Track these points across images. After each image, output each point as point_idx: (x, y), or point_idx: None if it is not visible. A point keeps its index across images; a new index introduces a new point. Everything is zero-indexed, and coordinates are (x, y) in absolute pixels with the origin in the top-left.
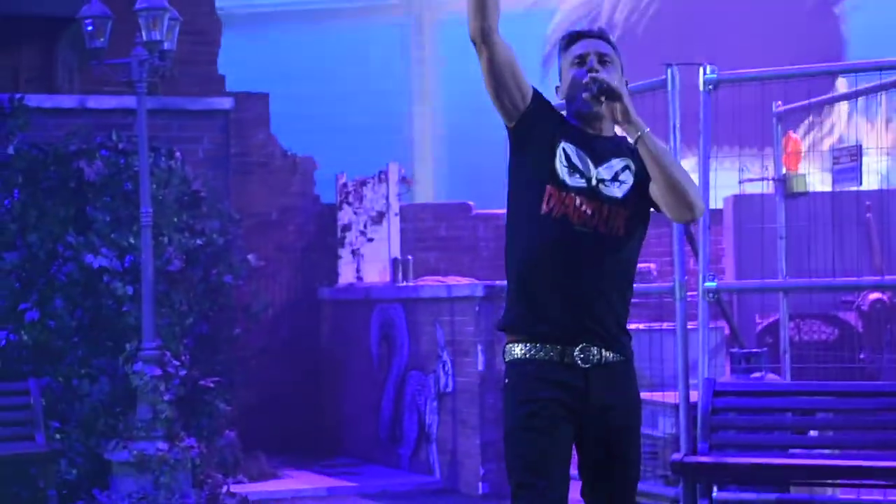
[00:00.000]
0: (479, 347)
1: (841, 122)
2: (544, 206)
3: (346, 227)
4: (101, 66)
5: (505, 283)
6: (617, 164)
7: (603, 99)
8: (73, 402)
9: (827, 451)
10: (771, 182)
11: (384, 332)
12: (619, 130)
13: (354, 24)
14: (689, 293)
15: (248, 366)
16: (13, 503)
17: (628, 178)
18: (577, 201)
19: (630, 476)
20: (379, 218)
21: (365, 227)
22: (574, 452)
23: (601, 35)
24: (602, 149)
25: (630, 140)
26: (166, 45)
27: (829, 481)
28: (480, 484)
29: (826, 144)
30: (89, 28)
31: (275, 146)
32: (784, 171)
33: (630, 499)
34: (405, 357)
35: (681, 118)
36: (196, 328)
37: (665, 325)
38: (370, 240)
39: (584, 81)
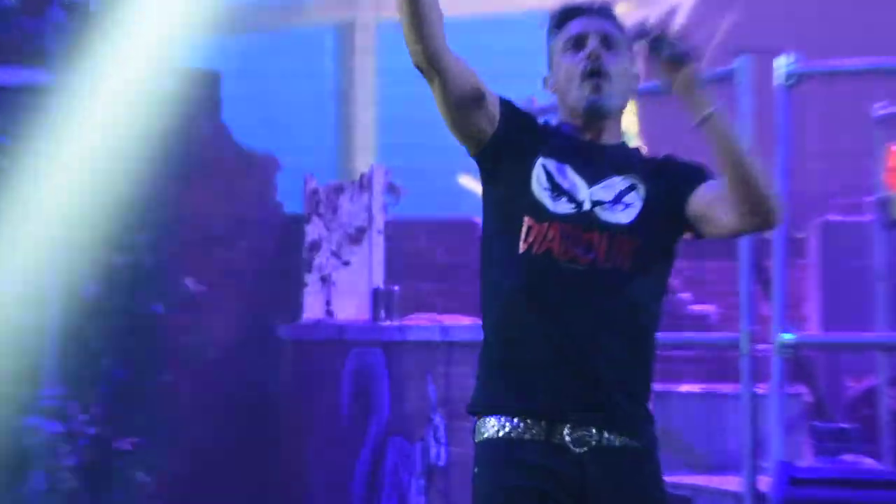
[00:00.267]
0: None
1: None
2: (521, 244)
3: (315, 246)
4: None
5: None
6: (619, 182)
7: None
8: None
9: None
10: (869, 205)
11: (360, 384)
12: (631, 139)
13: None
14: (759, 347)
15: (178, 424)
16: None
17: (635, 201)
18: (565, 232)
19: None
20: (358, 236)
21: (339, 246)
22: None
23: (604, 11)
24: (600, 162)
25: (694, 119)
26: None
27: None
28: None
29: None
30: None
31: (226, 140)
32: (886, 191)
33: None
34: (385, 418)
35: (754, 120)
36: (113, 372)
37: (727, 388)
38: (346, 263)
39: (582, 71)
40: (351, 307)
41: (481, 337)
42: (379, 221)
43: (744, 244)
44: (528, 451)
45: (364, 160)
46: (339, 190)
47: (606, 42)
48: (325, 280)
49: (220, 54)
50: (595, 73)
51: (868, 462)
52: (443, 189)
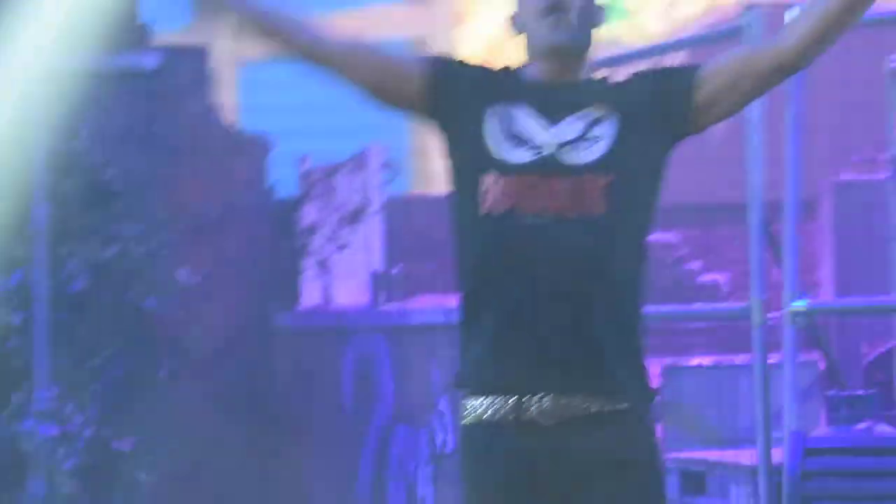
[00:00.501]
0: None
1: None
2: (482, 205)
3: (311, 230)
4: None
5: None
6: (583, 115)
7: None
8: None
9: None
10: (883, 164)
11: (361, 371)
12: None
13: None
14: (771, 315)
15: (177, 421)
16: None
17: (605, 132)
18: (528, 183)
19: None
20: (355, 217)
21: (336, 229)
22: None
23: None
24: (561, 100)
25: None
26: None
27: None
28: None
29: None
30: None
31: (215, 120)
32: None
33: None
34: (389, 406)
35: None
36: (107, 371)
37: (739, 359)
38: (342, 247)
39: (544, 6)
40: (350, 292)
41: None
42: (376, 201)
43: (753, 208)
44: (498, 435)
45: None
46: (333, 170)
47: None
48: (322, 265)
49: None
50: (555, 8)
51: (884, 429)
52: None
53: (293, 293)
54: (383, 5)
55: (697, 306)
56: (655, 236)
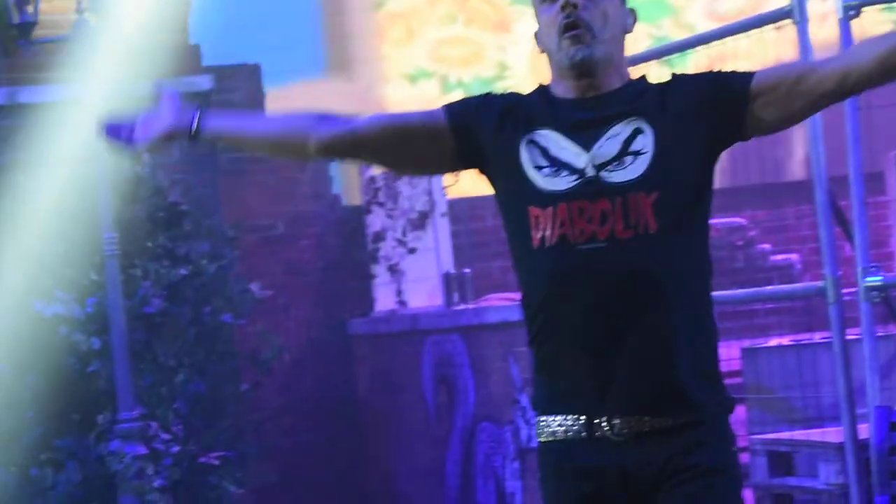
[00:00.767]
0: None
1: None
2: (534, 238)
3: (379, 237)
4: (31, 46)
5: None
6: (619, 130)
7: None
8: (34, 497)
9: None
10: None
11: (441, 372)
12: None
13: None
14: (846, 292)
15: (262, 432)
16: None
17: (645, 145)
18: (575, 209)
19: None
20: (421, 221)
21: (404, 233)
22: None
23: None
24: (594, 117)
25: None
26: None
27: None
28: None
29: None
30: None
31: None
32: None
33: None
34: (471, 405)
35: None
36: (189, 387)
37: (818, 338)
38: (412, 251)
39: (559, 25)
40: (423, 295)
41: None
42: (441, 204)
43: (819, 186)
44: (572, 453)
45: None
46: (396, 176)
47: None
48: (393, 270)
49: None
50: (571, 26)
51: None
52: None
53: (367, 299)
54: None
55: (772, 287)
56: (725, 220)
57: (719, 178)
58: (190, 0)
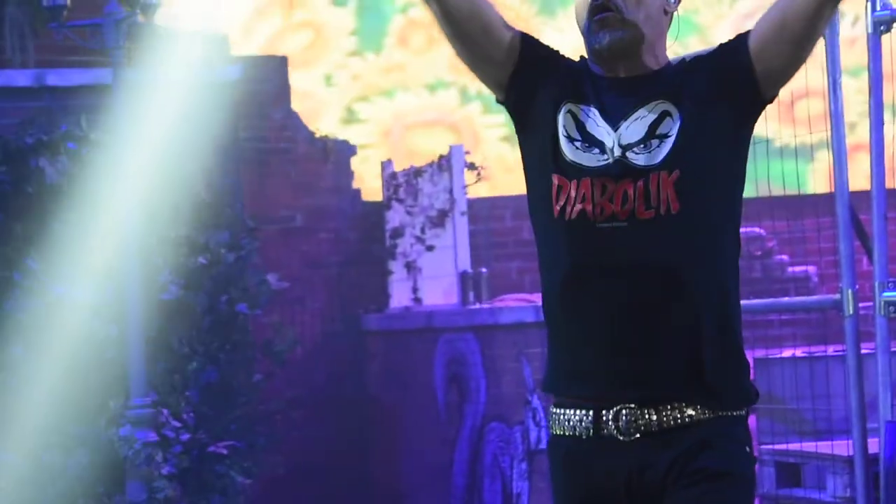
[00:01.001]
0: None
1: None
2: (556, 206)
3: (398, 233)
4: (62, 30)
5: None
6: (646, 114)
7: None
8: (44, 483)
9: None
10: None
11: (453, 370)
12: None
13: None
14: (862, 305)
15: (273, 423)
16: None
17: (671, 128)
18: (599, 187)
19: None
20: (440, 219)
21: (422, 231)
22: None
23: None
24: (625, 98)
25: None
26: None
27: None
28: None
29: None
30: None
31: (299, 127)
32: None
33: None
34: (482, 404)
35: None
36: (202, 376)
37: (832, 351)
38: (430, 248)
39: (590, 8)
40: (438, 293)
41: None
42: (461, 203)
43: (840, 198)
44: (580, 449)
45: None
46: (418, 173)
47: None
48: (410, 267)
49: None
50: (601, 8)
51: None
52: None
53: (383, 295)
54: None
55: (788, 299)
56: (744, 229)
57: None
58: None
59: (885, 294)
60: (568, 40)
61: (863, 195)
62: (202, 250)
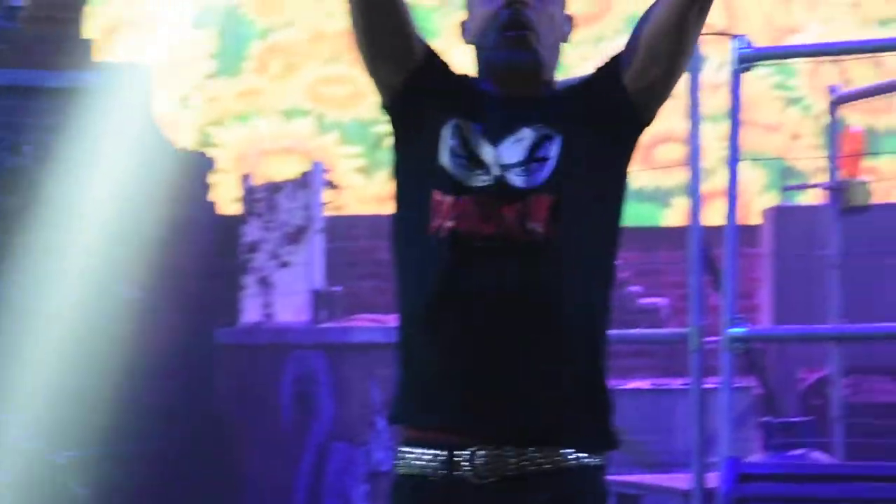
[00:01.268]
0: None
1: None
2: (430, 223)
3: (254, 248)
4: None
5: None
6: (527, 135)
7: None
8: None
9: None
10: (823, 191)
11: (300, 388)
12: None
13: None
14: (708, 340)
15: (116, 434)
16: None
17: (549, 151)
18: (476, 206)
19: None
20: (297, 235)
21: (278, 246)
22: None
23: None
24: (508, 119)
25: None
26: (14, 1)
27: None
28: None
29: None
30: None
31: (158, 137)
32: (841, 176)
33: None
34: (327, 423)
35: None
36: (46, 384)
37: (678, 384)
38: (285, 264)
39: (501, 22)
40: (291, 310)
41: None
42: (319, 220)
43: (693, 234)
44: (425, 492)
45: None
46: (276, 189)
47: None
48: (263, 282)
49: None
50: (515, 25)
51: (817, 455)
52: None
53: (235, 310)
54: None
55: (638, 330)
56: None
57: None
58: None
59: (732, 330)
60: None
61: (716, 231)
62: (55, 255)
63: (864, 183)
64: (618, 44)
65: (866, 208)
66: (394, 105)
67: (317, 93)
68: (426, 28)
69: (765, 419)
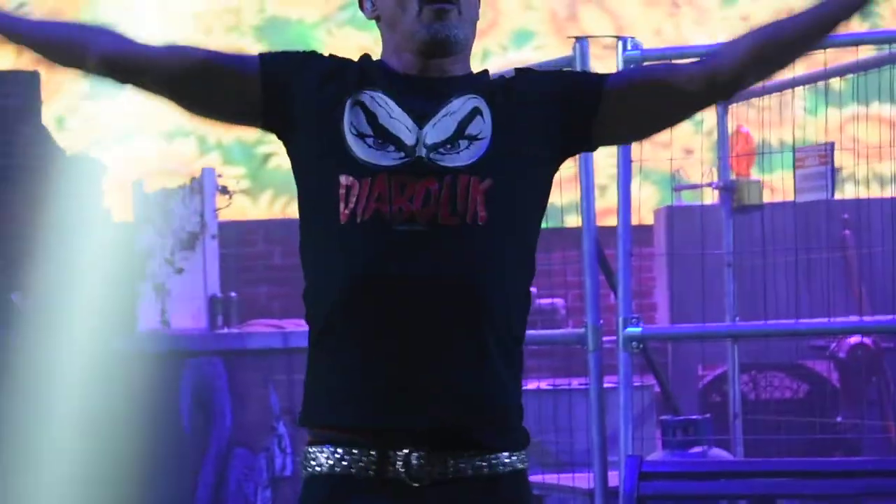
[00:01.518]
0: None
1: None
2: (342, 212)
3: (148, 254)
4: None
5: None
6: (456, 108)
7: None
8: None
9: None
10: (714, 191)
11: (199, 395)
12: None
13: None
14: (606, 340)
15: (15, 448)
16: None
17: (482, 130)
18: (396, 185)
19: None
20: (191, 241)
21: (172, 253)
22: None
23: None
24: (433, 95)
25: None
26: None
27: None
28: None
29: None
30: None
31: (48, 144)
32: (732, 176)
33: None
34: (227, 429)
35: None
36: None
37: (576, 384)
38: (179, 271)
39: None
40: (187, 316)
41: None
42: (212, 226)
43: (587, 234)
44: (347, 494)
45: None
46: (170, 195)
47: None
48: (158, 289)
49: None
50: None
51: (717, 452)
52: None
53: (130, 317)
54: None
55: (535, 331)
56: None
57: None
58: None
59: (628, 330)
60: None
61: (609, 231)
62: None
63: (755, 182)
64: (506, 60)
65: (759, 207)
66: (268, 122)
67: None
68: (309, 45)
69: (664, 417)
